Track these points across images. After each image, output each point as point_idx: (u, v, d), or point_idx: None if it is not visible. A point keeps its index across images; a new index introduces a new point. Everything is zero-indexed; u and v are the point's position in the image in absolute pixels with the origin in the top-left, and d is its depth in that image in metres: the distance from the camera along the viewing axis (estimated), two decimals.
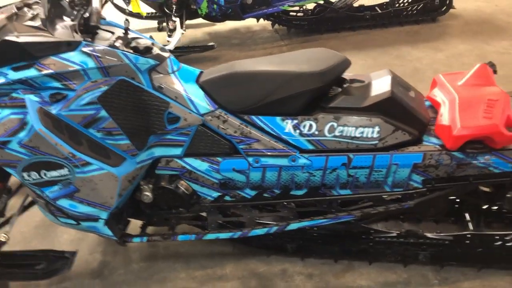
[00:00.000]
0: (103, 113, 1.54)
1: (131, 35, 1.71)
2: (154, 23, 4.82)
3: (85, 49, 1.52)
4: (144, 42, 1.67)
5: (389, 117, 1.56)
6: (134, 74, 1.58)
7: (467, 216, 1.89)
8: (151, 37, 1.87)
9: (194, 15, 4.04)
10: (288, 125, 1.62)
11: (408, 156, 1.56)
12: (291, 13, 4.38)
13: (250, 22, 4.51)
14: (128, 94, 1.58)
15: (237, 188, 1.73)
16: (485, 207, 1.89)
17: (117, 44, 1.61)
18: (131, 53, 1.59)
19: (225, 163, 1.67)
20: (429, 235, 1.83)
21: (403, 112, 1.56)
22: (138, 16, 4.66)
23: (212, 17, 3.97)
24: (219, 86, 1.65)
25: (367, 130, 1.57)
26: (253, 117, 1.63)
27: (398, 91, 1.58)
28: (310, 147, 1.62)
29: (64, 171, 1.56)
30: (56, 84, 1.51)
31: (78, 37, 1.57)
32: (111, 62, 1.54)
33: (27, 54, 1.48)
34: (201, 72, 1.75)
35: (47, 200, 1.63)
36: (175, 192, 1.73)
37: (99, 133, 1.57)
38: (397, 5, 4.33)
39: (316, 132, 1.60)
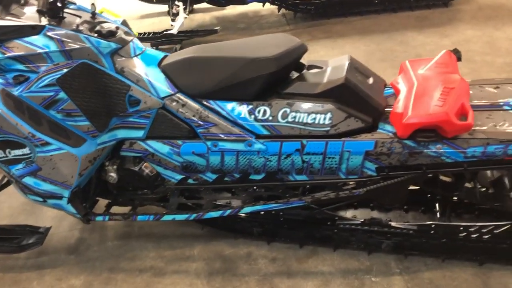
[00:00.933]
0: (62, 94, 1.59)
1: (98, 19, 1.75)
2: (165, 7, 4.86)
3: (49, 33, 1.57)
4: (108, 26, 1.70)
5: (342, 104, 1.55)
6: (96, 58, 1.62)
7: (437, 206, 1.87)
8: (124, 21, 1.91)
9: None
10: (243, 110, 1.63)
11: (360, 143, 1.55)
12: None
13: (259, 6, 4.48)
14: (89, 76, 1.62)
15: (198, 171, 1.76)
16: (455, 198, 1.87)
17: (82, 28, 1.66)
18: (94, 36, 1.63)
19: (185, 146, 1.70)
20: (393, 224, 1.81)
21: (357, 99, 1.55)
22: (148, 0, 4.72)
23: (216, 1, 3.98)
24: (179, 70, 1.67)
25: (319, 116, 1.56)
26: (211, 101, 1.65)
27: (352, 78, 1.56)
28: (265, 132, 1.62)
29: (26, 150, 1.63)
30: (20, 67, 1.57)
31: (44, 21, 1.62)
32: (74, 46, 1.58)
33: None
34: (165, 56, 1.78)
35: (15, 177, 1.71)
36: (139, 173, 1.78)
37: (59, 114, 1.62)
38: None
39: (270, 118, 1.60)
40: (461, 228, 1.74)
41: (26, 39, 1.56)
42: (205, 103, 1.65)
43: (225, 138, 1.65)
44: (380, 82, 1.69)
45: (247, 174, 1.72)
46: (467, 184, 1.68)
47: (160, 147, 1.73)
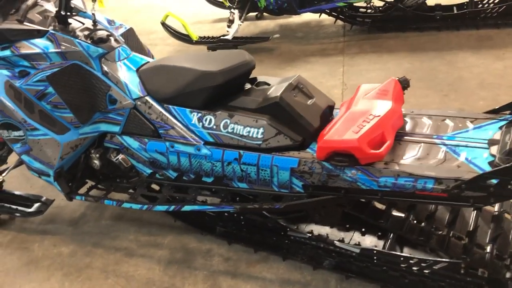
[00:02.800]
0: (50, 89, 1.88)
1: (97, 26, 2.03)
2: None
3: (50, 37, 1.89)
4: (101, 33, 1.98)
5: (274, 121, 1.64)
6: (87, 60, 1.90)
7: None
8: (131, 29, 2.17)
9: (256, 8, 4.25)
10: (194, 117, 1.79)
11: (286, 159, 1.62)
12: (360, 9, 4.31)
13: (322, 16, 4.53)
14: (78, 76, 1.91)
15: (162, 168, 1.96)
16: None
17: (80, 33, 1.95)
18: (86, 42, 1.91)
19: (150, 144, 1.91)
20: (337, 243, 1.83)
21: (288, 118, 1.62)
22: (222, 5, 5.03)
23: (270, 10, 4.13)
24: (148, 76, 1.89)
25: (253, 130, 1.66)
26: (170, 106, 1.84)
27: (288, 97, 1.63)
28: (211, 139, 1.77)
29: (21, 132, 1.96)
30: (25, 63, 1.90)
31: (52, 26, 1.94)
32: (68, 49, 1.88)
33: (5, 38, 1.89)
34: (147, 62, 2.00)
35: (18, 154, 2.06)
36: (115, 164, 2.04)
37: (48, 105, 1.92)
38: (480, 5, 3.95)
39: (214, 127, 1.74)
40: (402, 259, 1.71)
41: (32, 40, 1.89)
42: (166, 107, 1.85)
43: (180, 141, 1.83)
44: (324, 103, 1.73)
45: (199, 176, 1.88)
46: (400, 214, 1.66)
47: (132, 142, 1.96)
